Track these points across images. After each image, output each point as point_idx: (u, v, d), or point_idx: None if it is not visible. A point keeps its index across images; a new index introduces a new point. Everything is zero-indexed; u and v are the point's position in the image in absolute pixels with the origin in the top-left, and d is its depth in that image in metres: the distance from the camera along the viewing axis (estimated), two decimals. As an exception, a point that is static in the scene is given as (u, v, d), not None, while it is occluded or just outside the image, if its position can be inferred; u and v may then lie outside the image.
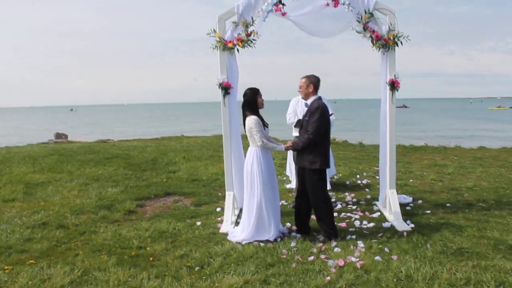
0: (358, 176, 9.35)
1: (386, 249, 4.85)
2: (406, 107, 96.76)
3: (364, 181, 8.83)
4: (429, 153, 12.85)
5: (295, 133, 6.98)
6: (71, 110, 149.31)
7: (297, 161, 5.40)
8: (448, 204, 6.80)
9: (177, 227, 5.80)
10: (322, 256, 4.69)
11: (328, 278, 4.12)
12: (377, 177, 9.13)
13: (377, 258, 4.58)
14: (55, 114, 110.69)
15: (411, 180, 8.75)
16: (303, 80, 5.34)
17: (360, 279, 4.11)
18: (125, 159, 11.31)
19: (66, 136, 21.07)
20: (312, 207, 5.39)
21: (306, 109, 5.33)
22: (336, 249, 4.90)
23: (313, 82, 5.29)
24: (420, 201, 7.05)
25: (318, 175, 5.20)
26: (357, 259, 4.58)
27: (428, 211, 6.44)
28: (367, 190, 8.08)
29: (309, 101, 5.31)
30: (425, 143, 15.41)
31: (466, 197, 7.29)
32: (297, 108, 6.96)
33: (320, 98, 5.31)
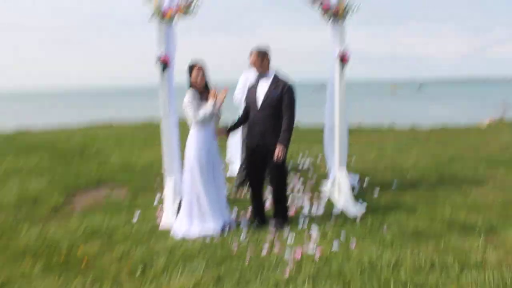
0: (298, 158, 9.11)
1: (342, 236, 4.59)
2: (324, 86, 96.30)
3: (306, 163, 8.60)
4: (366, 134, 12.94)
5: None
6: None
7: (263, 144, 4.84)
8: (394, 184, 6.72)
9: (113, 222, 5.22)
10: (276, 248, 4.34)
11: (287, 272, 3.78)
12: (319, 158, 8.98)
13: (335, 245, 4.31)
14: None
15: (353, 160, 8.64)
16: (255, 54, 4.92)
17: (321, 271, 3.80)
18: (50, 149, 10.38)
19: (-22, 127, 19.27)
20: (274, 190, 5.06)
21: (266, 84, 4.89)
22: (289, 238, 4.57)
23: (266, 54, 4.92)
24: (366, 182, 6.91)
25: (285, 153, 4.87)
26: (314, 249, 4.27)
27: (377, 192, 6.29)
28: (310, 172, 7.85)
29: (269, 75, 4.91)
30: (359, 123, 15.58)
31: (410, 176, 7.26)
32: (247, 85, 6.51)
33: (277, 72, 4.97)
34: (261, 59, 4.89)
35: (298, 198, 6.14)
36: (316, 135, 12.23)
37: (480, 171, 7.53)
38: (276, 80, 4.87)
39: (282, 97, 4.77)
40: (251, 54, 4.98)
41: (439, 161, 8.42)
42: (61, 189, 6.74)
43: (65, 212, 5.77)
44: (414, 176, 7.22)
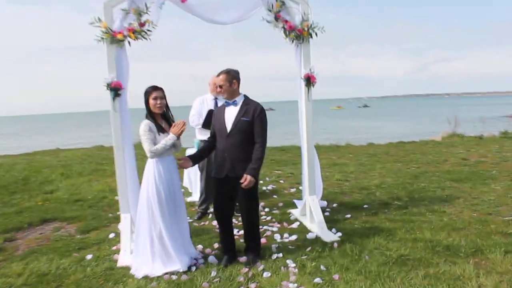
0: (261, 182, 8.69)
1: (323, 267, 4.18)
2: (272, 109, 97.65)
3: (270, 187, 8.20)
4: (324, 153, 12.71)
5: (201, 136, 6.06)
6: None
7: (232, 173, 4.37)
8: (365, 206, 6.41)
9: (62, 265, 4.56)
10: (253, 286, 3.87)
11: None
12: (281, 181, 8.63)
13: (317, 280, 3.88)
14: None
15: (318, 182, 8.32)
16: (223, 76, 4.38)
17: (308, 311, 3.37)
18: (-14, 181, 9.43)
19: None
20: (245, 223, 4.58)
21: (235, 108, 4.42)
22: (265, 274, 4.10)
23: (236, 77, 4.42)
24: (335, 205, 6.58)
25: (256, 183, 4.43)
26: (295, 284, 3.83)
27: (349, 215, 5.96)
28: (275, 196, 7.45)
29: (238, 100, 4.44)
30: (317, 143, 15.39)
31: (379, 196, 7.00)
32: (203, 109, 6.05)
33: (246, 96, 4.51)
34: (230, 82, 4.38)
35: (268, 225, 5.72)
36: (273, 155, 12.00)
37: (446, 187, 7.39)
38: (246, 103, 4.43)
39: (254, 121, 4.33)
40: (218, 75, 4.44)
41: (404, 179, 8.24)
42: (0, 228, 5.97)
43: (4, 255, 5.03)
44: (383, 196, 6.96)
